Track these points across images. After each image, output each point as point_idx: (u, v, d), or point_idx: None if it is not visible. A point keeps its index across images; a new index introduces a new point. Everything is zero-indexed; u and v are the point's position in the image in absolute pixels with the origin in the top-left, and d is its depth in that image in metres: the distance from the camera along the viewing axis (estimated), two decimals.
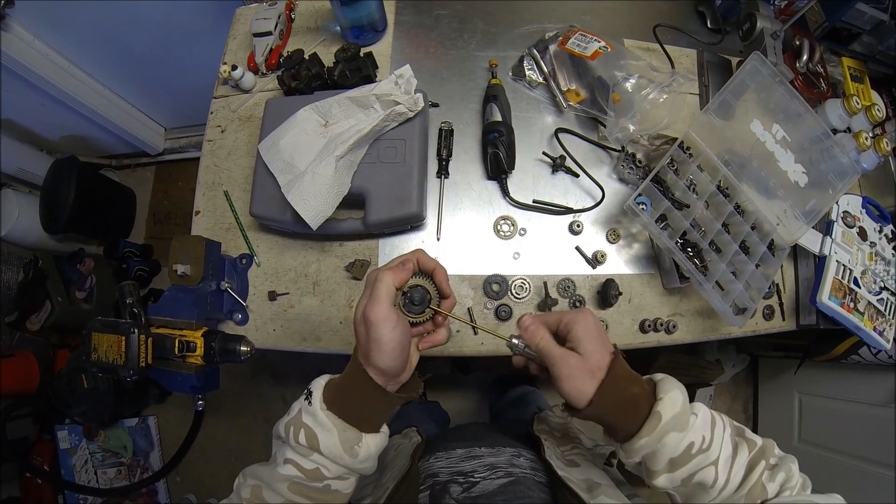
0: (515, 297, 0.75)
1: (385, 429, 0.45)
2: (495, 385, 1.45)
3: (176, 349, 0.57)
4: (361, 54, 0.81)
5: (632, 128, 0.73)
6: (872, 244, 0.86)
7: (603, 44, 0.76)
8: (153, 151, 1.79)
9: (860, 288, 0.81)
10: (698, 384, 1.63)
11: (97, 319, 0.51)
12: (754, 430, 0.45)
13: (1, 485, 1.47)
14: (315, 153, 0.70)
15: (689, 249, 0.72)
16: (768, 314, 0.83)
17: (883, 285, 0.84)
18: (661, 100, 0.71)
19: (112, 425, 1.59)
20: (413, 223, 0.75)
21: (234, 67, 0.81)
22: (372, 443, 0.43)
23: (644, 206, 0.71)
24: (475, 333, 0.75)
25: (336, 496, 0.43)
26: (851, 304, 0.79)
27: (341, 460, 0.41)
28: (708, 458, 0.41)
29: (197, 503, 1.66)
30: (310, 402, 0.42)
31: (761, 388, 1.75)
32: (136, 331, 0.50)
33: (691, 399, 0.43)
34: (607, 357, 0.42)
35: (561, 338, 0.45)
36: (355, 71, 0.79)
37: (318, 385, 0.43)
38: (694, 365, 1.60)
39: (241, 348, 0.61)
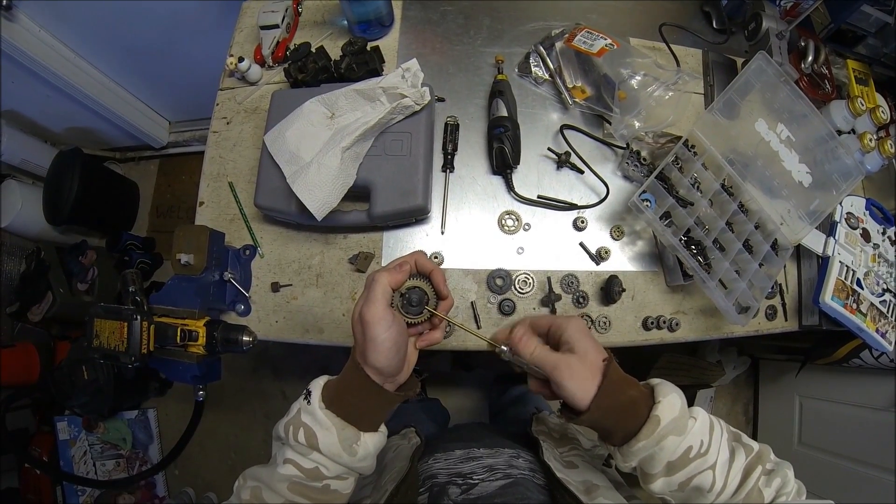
0: (519, 292, 0.75)
1: (383, 428, 0.45)
2: (496, 383, 1.45)
3: (178, 338, 0.57)
4: (368, 48, 0.81)
5: (637, 125, 0.73)
6: (875, 246, 0.85)
7: (609, 41, 0.76)
8: (157, 145, 1.79)
9: (863, 289, 0.81)
10: (699, 385, 1.62)
11: (100, 305, 0.51)
12: (754, 433, 0.45)
13: (0, 475, 1.47)
14: (321, 144, 0.70)
15: (693, 247, 0.72)
16: (771, 314, 0.83)
17: (886, 287, 0.84)
18: (667, 97, 0.71)
19: (112, 417, 1.59)
20: (418, 216, 0.75)
21: (241, 59, 0.81)
22: (370, 442, 0.43)
23: (648, 203, 0.71)
24: (478, 327, 0.75)
25: (335, 496, 0.43)
26: (854, 306, 0.78)
27: (340, 459, 0.41)
28: (706, 462, 0.41)
29: (195, 497, 1.66)
30: (309, 402, 0.42)
31: (762, 390, 1.75)
32: (138, 317, 0.50)
33: (692, 400, 0.43)
34: (601, 359, 0.43)
35: (553, 342, 0.46)
36: (362, 64, 0.79)
37: (317, 385, 0.44)
38: (695, 366, 1.60)
39: (244, 338, 0.61)
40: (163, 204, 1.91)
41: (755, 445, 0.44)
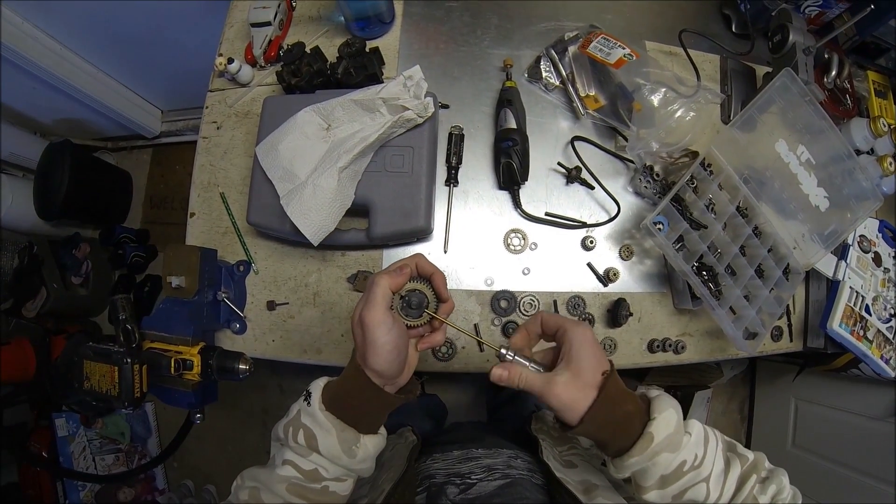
0: (524, 315, 0.73)
1: (383, 430, 0.45)
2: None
3: (172, 368, 0.55)
4: (367, 49, 0.76)
5: (655, 147, 0.69)
6: (886, 270, 0.83)
7: (628, 51, 0.72)
8: (149, 134, 1.73)
9: (871, 315, 0.79)
10: (697, 386, 1.63)
11: (89, 346, 0.49)
12: (749, 431, 0.45)
13: (0, 470, 1.48)
14: (316, 160, 0.66)
15: (705, 273, 0.70)
16: (777, 335, 0.82)
17: (893, 312, 0.82)
18: (688, 118, 0.67)
19: (109, 413, 1.59)
20: (419, 236, 0.72)
21: (231, 60, 0.76)
22: (370, 444, 0.43)
23: (661, 226, 0.68)
24: (481, 351, 0.73)
25: (334, 498, 0.43)
26: (861, 332, 0.77)
27: (340, 461, 0.41)
28: (700, 474, 0.41)
29: (194, 489, 1.68)
30: (308, 403, 0.42)
31: (758, 390, 1.76)
32: (129, 360, 0.47)
33: (689, 401, 0.42)
34: (600, 375, 0.42)
35: (557, 345, 0.45)
36: (360, 68, 0.74)
37: (317, 386, 0.43)
38: (694, 368, 1.60)
39: (240, 366, 0.59)
40: (157, 195, 1.86)
41: (750, 455, 0.44)
